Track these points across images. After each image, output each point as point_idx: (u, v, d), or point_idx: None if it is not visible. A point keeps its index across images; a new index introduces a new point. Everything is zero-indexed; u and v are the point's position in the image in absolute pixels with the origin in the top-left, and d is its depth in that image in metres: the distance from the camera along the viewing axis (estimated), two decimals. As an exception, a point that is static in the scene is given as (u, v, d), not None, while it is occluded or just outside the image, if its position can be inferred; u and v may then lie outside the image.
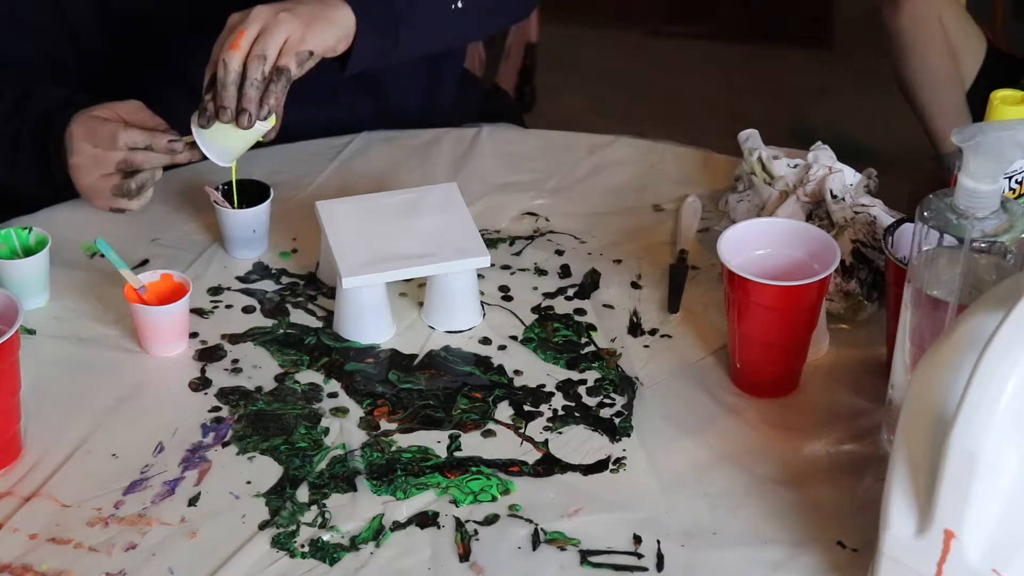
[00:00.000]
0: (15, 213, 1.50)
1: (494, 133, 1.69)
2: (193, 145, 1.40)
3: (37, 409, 1.27)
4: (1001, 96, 1.26)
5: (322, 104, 1.58)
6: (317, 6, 1.38)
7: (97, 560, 1.14)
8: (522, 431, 1.26)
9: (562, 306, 1.40)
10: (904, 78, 2.44)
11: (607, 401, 1.29)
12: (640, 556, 1.13)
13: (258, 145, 1.43)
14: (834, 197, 1.39)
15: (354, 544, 1.15)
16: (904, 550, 1.02)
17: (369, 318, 1.35)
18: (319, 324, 1.38)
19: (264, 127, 1.37)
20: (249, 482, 1.21)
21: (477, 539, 1.15)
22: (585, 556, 1.13)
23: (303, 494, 1.19)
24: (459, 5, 1.50)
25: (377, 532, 1.16)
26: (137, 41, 1.58)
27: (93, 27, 1.57)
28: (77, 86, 1.53)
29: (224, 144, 1.38)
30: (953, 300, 1.10)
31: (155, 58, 1.59)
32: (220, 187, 1.46)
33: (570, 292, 1.42)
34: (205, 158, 1.40)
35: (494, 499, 1.19)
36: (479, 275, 1.39)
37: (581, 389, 1.30)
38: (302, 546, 1.15)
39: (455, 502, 1.19)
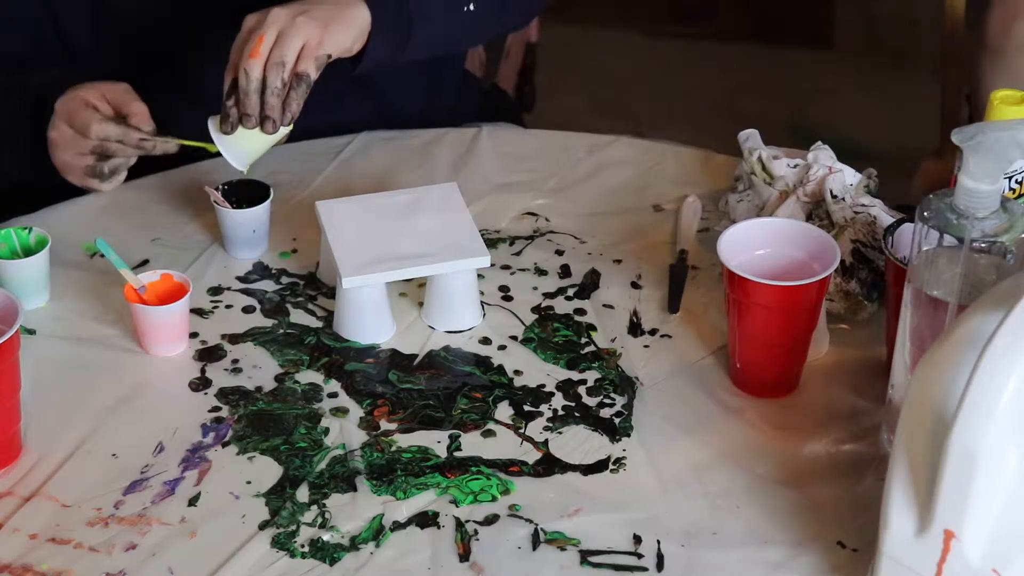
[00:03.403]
0: (15, 213, 1.50)
1: (494, 133, 1.69)
2: (170, 142, 1.42)
3: (37, 409, 1.27)
4: (1001, 96, 1.25)
5: (323, 105, 1.58)
6: (334, 7, 1.39)
7: (97, 560, 1.14)
8: (522, 431, 1.26)
9: (562, 306, 1.40)
10: (983, 91, 2.40)
11: (607, 401, 1.29)
12: (640, 556, 1.13)
13: None
14: (834, 197, 1.39)
15: (354, 544, 1.15)
16: (904, 550, 1.02)
17: (369, 318, 1.35)
18: (319, 324, 1.38)
19: (284, 131, 1.40)
20: (249, 482, 1.21)
21: (477, 539, 1.15)
22: (585, 556, 1.13)
23: (303, 494, 1.19)
24: (471, 8, 1.51)
25: (377, 532, 1.16)
26: (133, 49, 1.58)
27: (86, 33, 1.57)
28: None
29: (243, 147, 1.40)
30: (953, 300, 1.10)
31: (151, 65, 1.59)
32: (220, 187, 1.46)
33: (570, 292, 1.42)
34: (178, 151, 1.43)
35: (494, 499, 1.19)
36: (479, 275, 1.39)
37: (581, 389, 1.30)
38: (302, 546, 1.15)
39: (455, 502, 1.19)
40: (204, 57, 1.56)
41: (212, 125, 1.39)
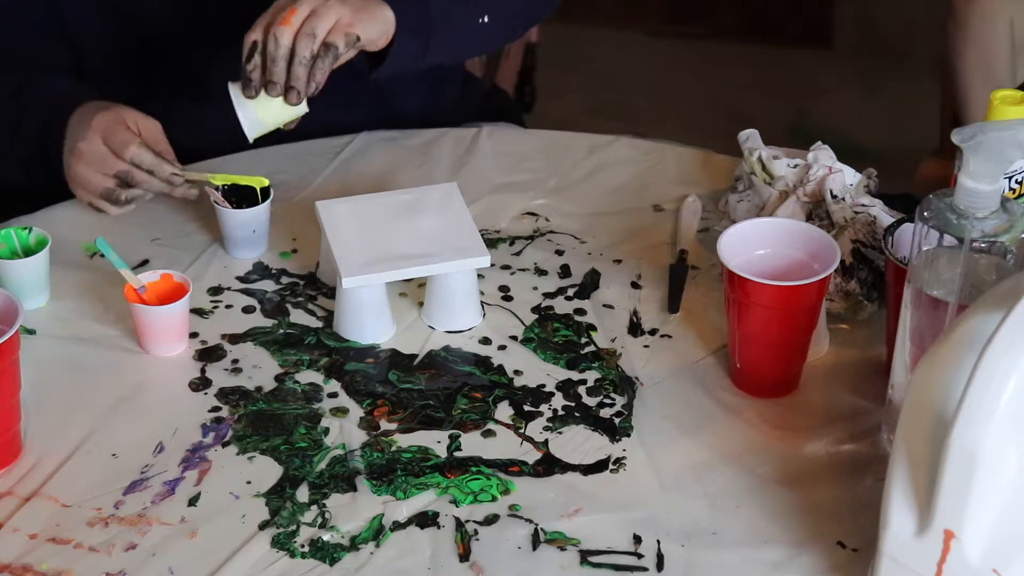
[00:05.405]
0: (15, 213, 1.50)
1: (494, 133, 1.69)
2: (193, 188, 1.43)
3: (37, 409, 1.27)
4: (1001, 96, 1.25)
5: (323, 105, 1.59)
6: (363, 1, 1.41)
7: (97, 560, 1.14)
8: (522, 431, 1.26)
9: (562, 306, 1.40)
10: (957, 69, 2.40)
11: (607, 401, 1.29)
12: (640, 556, 1.13)
13: (266, 143, 1.44)
14: (834, 197, 1.39)
15: (354, 544, 1.15)
16: (904, 550, 1.02)
17: (369, 318, 1.35)
18: (319, 324, 1.38)
19: (300, 111, 1.41)
20: (249, 482, 1.21)
21: (477, 539, 1.15)
22: (585, 556, 1.13)
23: (303, 494, 1.19)
24: (485, 20, 1.54)
25: (377, 532, 1.16)
26: (139, 47, 1.58)
27: (92, 30, 1.57)
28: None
29: (259, 116, 1.40)
30: (953, 300, 1.10)
31: (156, 63, 1.59)
32: (220, 187, 1.46)
33: (570, 292, 1.42)
34: (197, 198, 1.44)
35: (494, 499, 1.19)
36: (479, 275, 1.39)
37: (581, 389, 1.30)
38: (302, 546, 1.15)
39: (455, 502, 1.19)
40: (210, 56, 1.56)
41: (234, 89, 1.40)
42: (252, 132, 1.42)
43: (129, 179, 1.42)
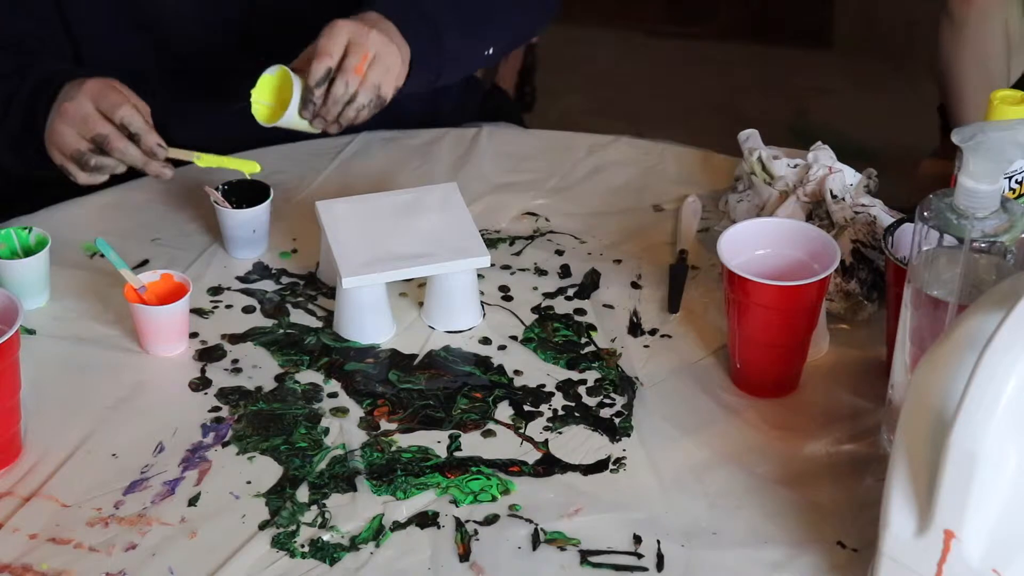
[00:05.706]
0: (15, 213, 1.50)
1: (494, 133, 1.69)
2: (167, 168, 1.43)
3: (37, 409, 1.27)
4: (1001, 96, 1.25)
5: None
6: (398, 42, 1.46)
7: (97, 560, 1.14)
8: (522, 431, 1.26)
9: (562, 306, 1.41)
10: (953, 69, 2.40)
11: (607, 401, 1.29)
12: (640, 556, 1.13)
13: (266, 143, 1.48)
14: (834, 197, 1.39)
15: (354, 544, 1.15)
16: (904, 550, 1.02)
17: (369, 318, 1.35)
18: (319, 324, 1.38)
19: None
20: (249, 482, 1.21)
21: (477, 539, 1.15)
22: (585, 556, 1.13)
23: (303, 494, 1.19)
24: (490, 52, 1.61)
25: (377, 532, 1.16)
26: (133, 35, 1.58)
27: (96, 33, 1.58)
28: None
29: (292, 116, 1.43)
30: (953, 300, 1.10)
31: (157, 63, 1.59)
32: (220, 187, 1.46)
33: (570, 292, 1.42)
34: (170, 179, 1.46)
35: (494, 499, 1.19)
36: (479, 275, 1.39)
37: (581, 389, 1.30)
38: (302, 546, 1.15)
39: (455, 502, 1.19)
40: (212, 57, 1.57)
41: (297, 84, 1.42)
42: (280, 123, 1.44)
43: (105, 145, 1.41)
